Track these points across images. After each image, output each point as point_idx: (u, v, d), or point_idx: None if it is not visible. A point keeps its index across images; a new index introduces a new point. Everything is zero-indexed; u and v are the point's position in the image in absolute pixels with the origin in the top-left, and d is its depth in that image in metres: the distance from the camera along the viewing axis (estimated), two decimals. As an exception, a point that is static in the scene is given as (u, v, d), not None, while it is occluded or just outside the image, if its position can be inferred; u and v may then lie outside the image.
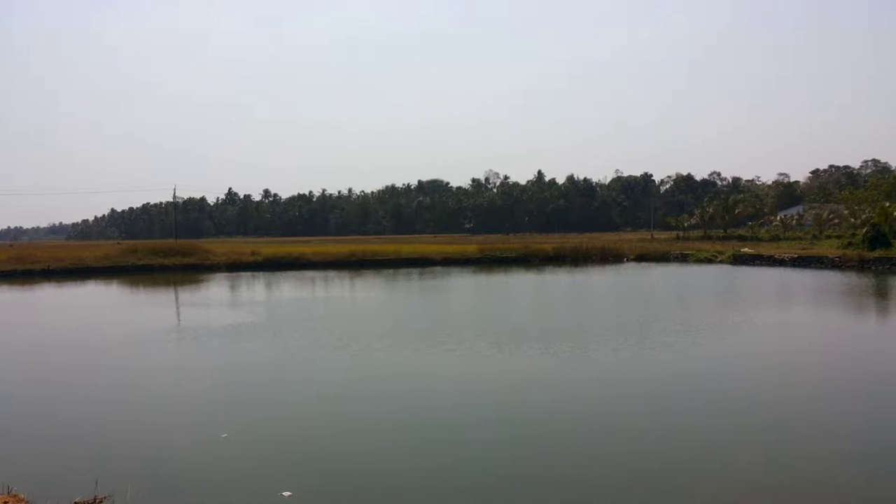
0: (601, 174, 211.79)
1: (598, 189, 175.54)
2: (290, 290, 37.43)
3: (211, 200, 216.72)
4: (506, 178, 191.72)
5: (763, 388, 13.38)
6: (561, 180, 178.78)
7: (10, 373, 16.10)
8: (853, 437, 10.27)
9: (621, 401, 12.50)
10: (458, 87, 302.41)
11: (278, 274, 48.49)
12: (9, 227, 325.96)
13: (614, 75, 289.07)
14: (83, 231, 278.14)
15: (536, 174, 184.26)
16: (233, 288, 39.08)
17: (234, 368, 16.13)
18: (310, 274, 47.97)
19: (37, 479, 7.95)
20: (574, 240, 73.50)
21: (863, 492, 8.24)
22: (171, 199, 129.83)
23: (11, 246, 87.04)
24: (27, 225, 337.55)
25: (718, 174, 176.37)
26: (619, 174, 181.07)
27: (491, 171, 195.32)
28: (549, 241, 71.49)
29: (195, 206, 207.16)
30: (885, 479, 8.60)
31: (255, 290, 37.60)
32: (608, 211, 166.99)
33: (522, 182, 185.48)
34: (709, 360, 16.25)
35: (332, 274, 47.71)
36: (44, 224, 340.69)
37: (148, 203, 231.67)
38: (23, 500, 6.49)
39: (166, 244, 65.43)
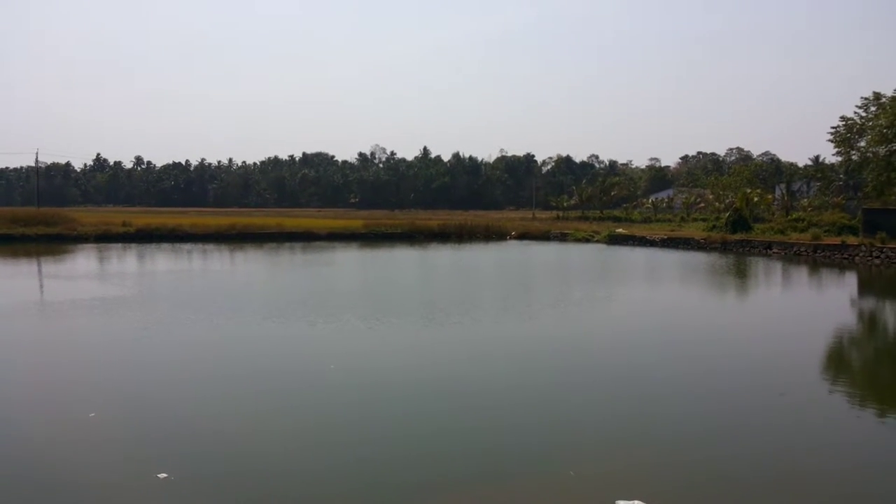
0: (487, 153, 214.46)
1: (482, 167, 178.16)
2: (164, 262, 35.89)
3: (77, 166, 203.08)
4: (392, 153, 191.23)
5: (619, 357, 14.22)
6: (447, 157, 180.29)
7: None
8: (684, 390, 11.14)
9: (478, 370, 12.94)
10: (346, 56, 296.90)
11: (152, 246, 46.36)
12: None
13: (502, 55, 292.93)
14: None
15: (422, 150, 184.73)
16: (102, 260, 36.99)
17: (101, 344, 15.39)
18: (187, 246, 46.12)
19: None
20: (459, 217, 74.45)
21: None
22: (34, 164, 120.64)
23: None
24: None
25: (596, 157, 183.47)
26: (503, 153, 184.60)
27: (377, 146, 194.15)
28: (434, 218, 72.08)
29: (59, 172, 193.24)
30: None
31: (127, 263, 35.79)
32: (492, 189, 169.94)
33: (409, 158, 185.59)
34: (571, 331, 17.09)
35: (210, 247, 46.09)
36: None
37: (7, 167, 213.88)
38: None
39: (28, 212, 60.83)
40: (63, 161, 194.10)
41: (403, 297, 23.73)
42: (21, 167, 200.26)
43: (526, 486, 7.91)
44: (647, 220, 75.90)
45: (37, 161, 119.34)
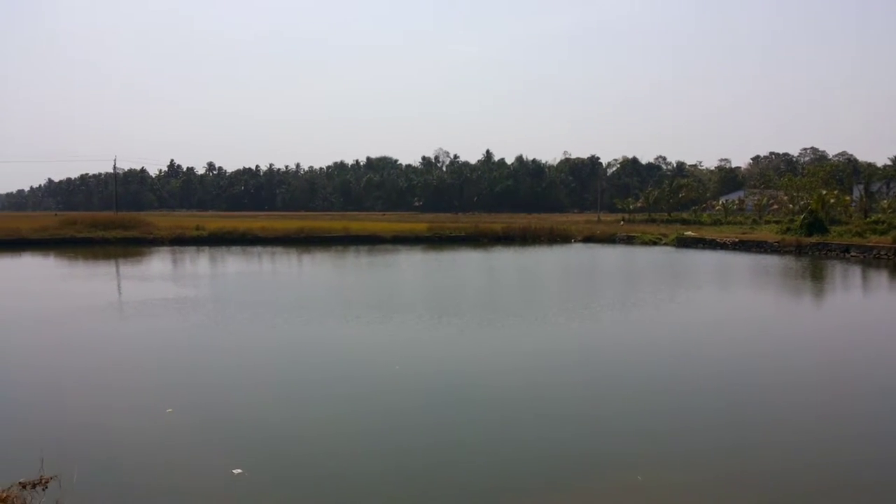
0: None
1: (546, 170, 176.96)
2: (235, 265, 36.90)
3: (153, 172, 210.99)
4: (455, 157, 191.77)
5: (685, 363, 13.86)
6: (510, 160, 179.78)
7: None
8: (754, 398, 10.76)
9: (559, 371, 12.80)
10: (410, 59, 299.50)
11: (223, 249, 47.72)
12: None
13: (567, 57, 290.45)
14: (18, 201, 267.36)
15: (485, 154, 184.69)
16: (176, 262, 38.30)
17: (177, 343, 15.89)
18: (256, 250, 47.32)
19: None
20: (522, 220, 74.14)
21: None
22: (112, 171, 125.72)
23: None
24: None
25: (664, 158, 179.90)
26: (567, 156, 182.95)
27: (441, 149, 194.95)
28: (497, 221, 71.95)
29: (136, 178, 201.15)
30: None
31: (199, 265, 36.96)
32: (556, 192, 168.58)
33: (472, 161, 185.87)
34: (648, 333, 16.75)
35: (279, 250, 47.14)
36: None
37: (87, 174, 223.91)
38: (-40, 479, 6.31)
39: (107, 216, 63.56)
40: (139, 167, 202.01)
41: (467, 299, 23.74)
42: (100, 173, 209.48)
43: (593, 492, 7.81)
44: (717, 223, 73.95)
45: (115, 167, 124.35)
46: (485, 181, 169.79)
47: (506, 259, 41.54)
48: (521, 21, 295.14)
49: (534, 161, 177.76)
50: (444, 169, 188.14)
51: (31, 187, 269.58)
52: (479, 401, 11.34)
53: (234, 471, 8.05)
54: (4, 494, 5.87)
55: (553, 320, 18.87)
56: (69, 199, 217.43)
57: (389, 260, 39.48)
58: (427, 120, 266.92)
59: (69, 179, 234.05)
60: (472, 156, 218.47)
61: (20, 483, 6.23)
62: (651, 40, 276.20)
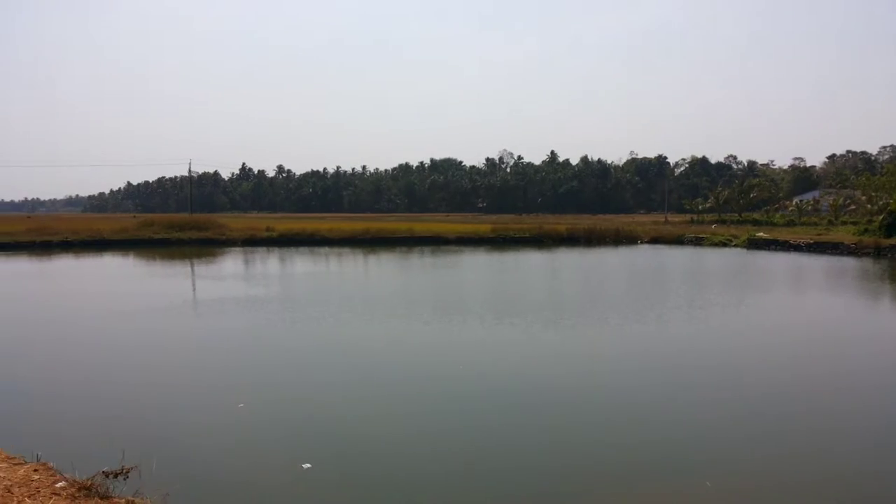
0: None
1: (611, 170, 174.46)
2: (303, 265, 37.74)
3: (225, 175, 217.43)
4: (519, 158, 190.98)
5: (754, 368, 13.50)
6: (575, 161, 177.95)
7: (35, 343, 16.42)
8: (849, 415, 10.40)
9: (614, 375, 12.67)
10: (475, 60, 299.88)
11: (292, 249, 48.83)
12: (26, 198, 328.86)
13: (632, 57, 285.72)
14: (99, 204, 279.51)
15: (550, 154, 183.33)
16: (247, 262, 39.43)
17: (248, 339, 16.39)
18: (324, 250, 48.28)
19: (64, 449, 8.12)
20: (587, 221, 73.33)
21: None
22: (187, 174, 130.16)
23: (29, 217, 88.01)
24: (44, 197, 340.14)
25: (734, 157, 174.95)
26: (633, 156, 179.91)
27: (505, 150, 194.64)
28: (561, 222, 71.35)
29: (209, 181, 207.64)
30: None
31: (269, 265, 37.94)
32: (622, 192, 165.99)
33: (536, 162, 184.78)
34: (718, 339, 16.39)
35: (345, 251, 47.96)
36: (60, 196, 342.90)
37: (163, 177, 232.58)
38: (51, 468, 6.67)
39: (182, 218, 65.85)
40: (212, 170, 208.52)
41: (529, 299, 23.67)
42: (176, 177, 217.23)
43: (660, 497, 7.74)
44: (790, 224, 71.56)
45: (190, 171, 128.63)
46: (549, 182, 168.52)
47: (570, 260, 41.21)
48: (583, 21, 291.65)
49: (599, 161, 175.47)
50: (508, 170, 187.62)
51: (112, 190, 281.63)
52: (543, 404, 11.31)
53: (303, 465, 8.31)
54: (89, 482, 6.20)
55: (618, 322, 18.65)
56: (147, 202, 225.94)
57: (453, 261, 39.70)
58: (491, 121, 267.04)
59: (147, 182, 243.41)
60: (536, 157, 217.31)
61: (103, 472, 6.53)
62: (718, 38, 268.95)
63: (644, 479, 8.20)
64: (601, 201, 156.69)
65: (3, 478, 6.23)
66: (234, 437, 9.54)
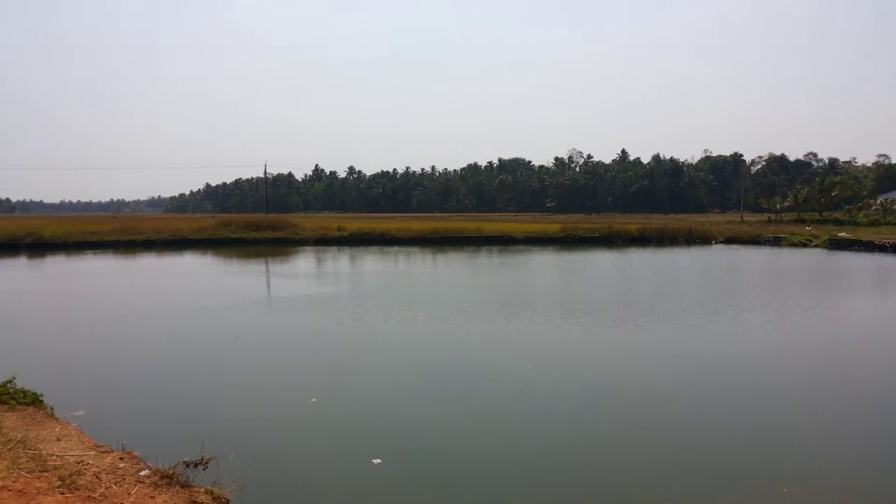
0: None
1: (684, 169, 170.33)
2: (373, 264, 38.26)
3: (299, 177, 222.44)
4: (589, 157, 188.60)
5: (832, 370, 12.95)
6: (646, 159, 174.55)
7: (121, 338, 17.20)
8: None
9: (673, 378, 12.38)
10: (544, 60, 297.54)
11: (362, 249, 49.57)
12: (112, 199, 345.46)
13: (705, 52, 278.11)
14: (179, 204, 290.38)
15: (620, 153, 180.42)
16: (319, 261, 40.25)
17: (319, 336, 16.76)
18: (393, 249, 48.84)
19: (147, 439, 8.47)
20: (659, 220, 71.82)
21: None
22: (262, 175, 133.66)
23: (115, 218, 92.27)
24: (128, 198, 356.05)
25: (814, 155, 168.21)
26: (707, 154, 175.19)
27: (574, 149, 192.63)
28: (632, 222, 70.09)
29: (284, 182, 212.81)
30: None
31: (340, 264, 38.63)
32: (695, 191, 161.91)
33: (606, 161, 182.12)
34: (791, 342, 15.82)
35: (414, 250, 48.39)
36: (143, 197, 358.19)
37: (240, 178, 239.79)
38: (135, 457, 7.00)
39: (258, 218, 67.73)
40: (286, 172, 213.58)
41: (599, 298, 23.35)
42: (252, 178, 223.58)
43: (735, 502, 7.57)
44: (874, 224, 68.29)
45: (265, 172, 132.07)
46: (619, 181, 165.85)
47: (641, 260, 40.44)
48: (655, 16, 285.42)
49: (671, 160, 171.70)
50: (578, 169, 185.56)
51: (191, 191, 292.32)
52: (612, 406, 11.18)
53: (374, 460, 8.45)
54: (171, 471, 6.47)
55: (690, 322, 18.23)
56: (224, 202, 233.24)
57: (521, 260, 39.53)
58: (560, 121, 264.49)
59: (224, 184, 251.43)
60: (606, 155, 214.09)
61: (184, 462, 6.81)
62: (796, 31, 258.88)
63: (718, 485, 8.01)
64: (673, 200, 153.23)
65: (92, 465, 6.58)
66: (307, 432, 9.79)
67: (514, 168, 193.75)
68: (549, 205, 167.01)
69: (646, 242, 54.40)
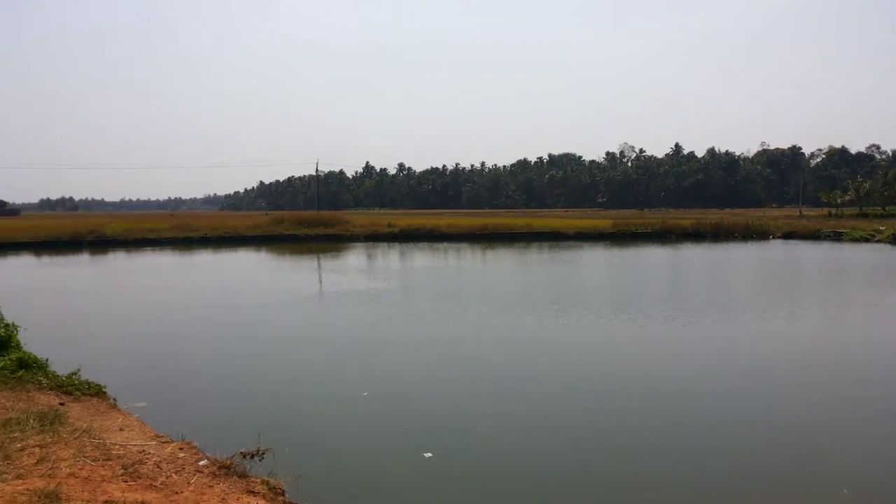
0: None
1: (740, 162, 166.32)
2: (422, 260, 38.43)
3: (350, 174, 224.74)
4: (641, 151, 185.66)
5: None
6: (700, 153, 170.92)
7: (178, 331, 17.68)
8: None
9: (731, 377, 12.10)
10: (595, 54, 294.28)
11: (412, 245, 49.85)
12: (169, 197, 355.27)
13: (760, 41, 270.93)
14: (234, 202, 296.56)
15: (674, 147, 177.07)
16: (370, 257, 40.62)
17: (369, 331, 16.95)
18: (443, 245, 48.98)
19: (207, 430, 8.68)
20: (714, 216, 70.35)
21: None
22: (314, 173, 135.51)
23: (172, 215, 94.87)
24: (185, 196, 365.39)
25: (877, 147, 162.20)
26: (764, 147, 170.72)
27: (626, 144, 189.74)
28: (686, 217, 68.81)
29: (335, 179, 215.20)
30: None
31: (391, 260, 38.92)
32: (751, 186, 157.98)
33: (659, 156, 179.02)
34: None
35: (464, 246, 48.43)
36: (200, 195, 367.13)
37: (293, 176, 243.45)
38: (194, 447, 7.19)
39: (310, 215, 68.70)
40: (337, 169, 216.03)
41: (650, 294, 22.97)
42: (304, 176, 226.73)
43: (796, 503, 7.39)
44: (943, 217, 65.60)
45: (317, 170, 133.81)
46: (672, 175, 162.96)
47: (695, 255, 39.65)
48: (711, 7, 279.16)
49: (727, 153, 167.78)
50: (629, 164, 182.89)
51: (245, 189, 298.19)
52: (664, 405, 10.98)
53: (425, 454, 8.51)
54: (228, 461, 6.64)
55: (745, 319, 17.80)
56: (277, 200, 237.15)
57: (571, 256, 39.19)
58: (611, 115, 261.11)
59: (277, 182, 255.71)
60: (658, 150, 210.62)
61: (241, 453, 6.97)
62: (855, 19, 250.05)
63: (779, 484, 7.82)
64: (729, 195, 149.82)
65: (153, 454, 6.79)
66: (359, 425, 9.90)
67: (564, 163, 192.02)
68: (599, 200, 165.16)
69: (700, 238, 53.34)
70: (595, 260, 37.76)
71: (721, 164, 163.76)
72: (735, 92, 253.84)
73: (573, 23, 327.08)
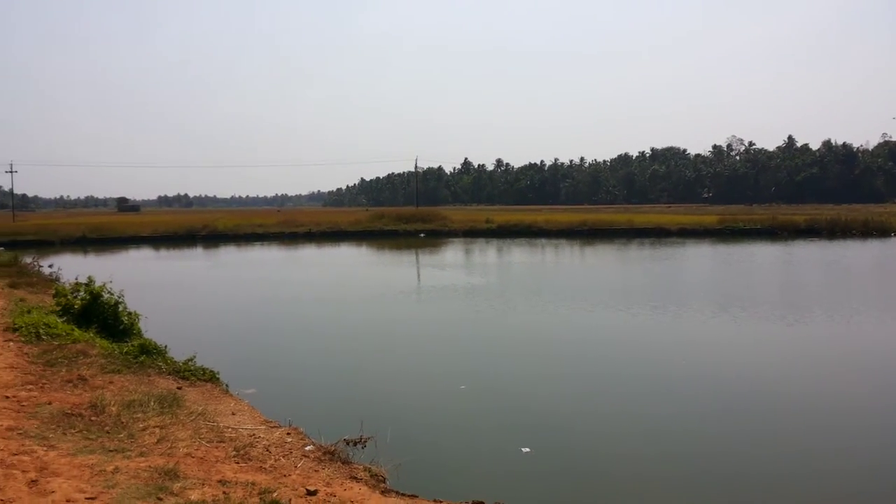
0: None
1: (859, 155, 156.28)
2: (520, 255, 38.27)
3: (448, 170, 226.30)
4: (751, 144, 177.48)
5: None
6: (815, 146, 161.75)
7: (285, 322, 18.38)
8: None
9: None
10: (699, 45, 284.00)
11: (509, 241, 49.72)
12: (276, 194, 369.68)
13: (878, 28, 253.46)
14: (336, 198, 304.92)
15: (786, 140, 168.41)
16: (467, 252, 40.84)
17: (467, 325, 17.07)
18: (540, 241, 48.61)
19: (311, 417, 8.93)
20: (829, 211, 66.48)
21: None
22: (413, 169, 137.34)
23: (279, 211, 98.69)
24: (291, 192, 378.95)
25: None
26: (886, 138, 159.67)
27: (734, 137, 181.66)
28: (799, 213, 65.34)
29: (434, 175, 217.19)
30: None
31: (488, 255, 38.97)
32: (871, 180, 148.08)
33: (770, 149, 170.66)
34: None
35: (562, 242, 47.89)
36: (304, 192, 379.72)
37: (392, 173, 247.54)
38: (301, 433, 7.46)
39: (409, 211, 69.86)
40: (436, 166, 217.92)
41: (757, 293, 21.94)
42: (403, 172, 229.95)
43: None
44: None
45: (416, 167, 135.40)
46: (784, 169, 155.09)
47: (808, 253, 37.61)
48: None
49: (844, 146, 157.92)
50: (738, 157, 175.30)
51: (347, 186, 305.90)
52: (768, 408, 10.47)
53: (522, 449, 8.50)
54: (333, 448, 6.85)
55: (860, 321, 16.75)
56: (377, 196, 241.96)
57: (674, 253, 38.01)
58: (718, 107, 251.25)
59: (378, 178, 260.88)
60: (769, 142, 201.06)
61: (345, 440, 7.17)
62: None
63: (886, 491, 7.36)
64: (846, 189, 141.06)
65: (263, 438, 7.09)
66: (457, 417, 10.00)
67: (667, 157, 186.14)
68: (705, 195, 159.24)
69: (814, 235, 50.50)
70: (700, 257, 36.49)
71: (838, 157, 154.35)
72: (851, 81, 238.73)
73: (681, 12, 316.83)
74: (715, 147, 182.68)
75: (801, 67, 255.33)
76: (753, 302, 20.18)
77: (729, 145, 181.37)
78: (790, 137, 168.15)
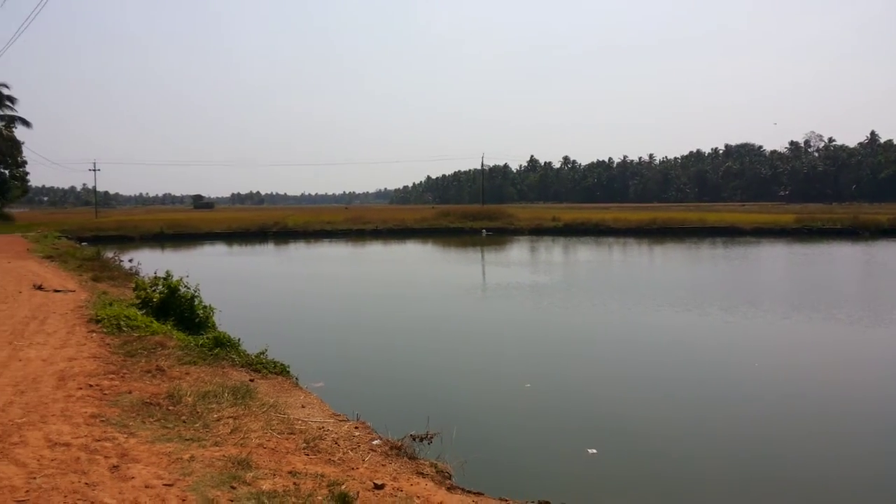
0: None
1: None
2: (587, 254, 37.82)
3: (514, 167, 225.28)
4: (830, 140, 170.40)
5: None
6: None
7: (353, 318, 18.65)
8: None
9: None
10: (770, 37, 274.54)
11: (576, 239, 49.17)
12: (344, 192, 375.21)
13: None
14: (403, 196, 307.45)
15: (869, 135, 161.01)
16: (533, 250, 40.58)
17: (532, 324, 16.99)
18: (608, 240, 47.90)
19: (378, 411, 9.01)
20: (917, 210, 63.27)
21: None
22: (479, 167, 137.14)
23: (347, 209, 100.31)
24: (358, 190, 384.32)
25: None
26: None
27: (812, 133, 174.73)
28: (882, 212, 62.41)
29: (499, 173, 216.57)
30: None
31: (554, 254, 38.64)
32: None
33: (851, 145, 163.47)
34: None
35: (630, 241, 47.08)
36: (372, 190, 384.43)
37: (458, 170, 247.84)
38: (368, 427, 7.55)
39: (475, 209, 69.90)
40: (502, 163, 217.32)
41: (835, 295, 21.04)
42: (469, 170, 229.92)
43: None
44: None
45: (482, 164, 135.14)
46: (866, 167, 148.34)
47: (892, 254, 35.90)
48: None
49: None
50: (816, 154, 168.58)
51: (413, 184, 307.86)
52: (845, 413, 10.06)
53: (589, 450, 8.40)
54: (399, 443, 6.91)
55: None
56: (443, 194, 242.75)
57: (747, 252, 36.85)
58: (796, 102, 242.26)
59: (444, 176, 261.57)
60: (850, 139, 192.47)
61: (411, 435, 7.22)
62: None
63: None
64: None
65: (331, 431, 7.22)
66: (523, 415, 9.96)
67: (741, 154, 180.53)
68: (781, 193, 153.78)
69: (899, 235, 48.17)
70: (775, 257, 35.27)
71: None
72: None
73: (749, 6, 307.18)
74: (792, 143, 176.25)
75: (883, 56, 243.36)
76: (832, 304, 19.38)
77: (807, 141, 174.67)
78: (873, 133, 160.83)
